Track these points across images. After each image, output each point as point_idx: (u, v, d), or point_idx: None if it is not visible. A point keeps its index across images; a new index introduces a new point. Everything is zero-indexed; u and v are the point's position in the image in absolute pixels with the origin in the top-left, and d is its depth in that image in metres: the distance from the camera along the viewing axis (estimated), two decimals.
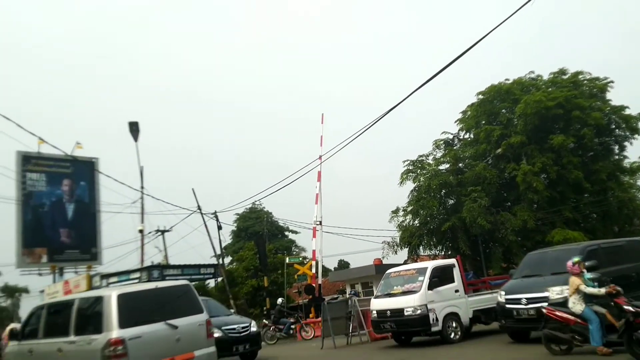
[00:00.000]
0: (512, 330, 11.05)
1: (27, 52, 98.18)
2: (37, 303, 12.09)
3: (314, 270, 24.14)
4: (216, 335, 10.45)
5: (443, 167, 27.18)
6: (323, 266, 27.07)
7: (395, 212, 27.09)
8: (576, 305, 8.75)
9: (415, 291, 12.48)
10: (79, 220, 29.86)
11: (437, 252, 27.06)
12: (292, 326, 20.42)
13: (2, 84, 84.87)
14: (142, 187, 25.69)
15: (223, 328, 11.93)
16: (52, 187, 29.27)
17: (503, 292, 11.03)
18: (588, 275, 9.01)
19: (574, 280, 8.82)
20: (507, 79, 27.84)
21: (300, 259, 31.01)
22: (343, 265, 49.49)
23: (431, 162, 27.51)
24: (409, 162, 27.22)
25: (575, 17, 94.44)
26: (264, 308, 26.16)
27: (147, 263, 26.39)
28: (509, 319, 10.66)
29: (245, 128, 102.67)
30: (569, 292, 8.92)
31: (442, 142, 28.47)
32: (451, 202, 26.71)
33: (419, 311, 12.14)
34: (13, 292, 42.44)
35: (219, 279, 27.65)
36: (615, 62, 69.36)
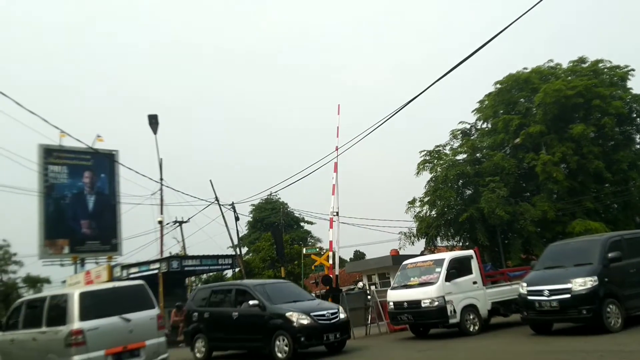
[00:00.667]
0: (534, 322, 10.95)
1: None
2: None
3: (331, 261, 24.21)
4: (305, 322, 10.66)
5: (460, 157, 26.99)
6: (339, 257, 27.14)
7: (412, 202, 26.99)
8: None
9: (432, 282, 12.42)
10: (99, 211, 30.34)
11: (455, 243, 26.91)
12: None
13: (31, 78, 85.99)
14: (161, 179, 25.90)
15: (312, 314, 10.93)
16: (74, 179, 29.74)
17: (525, 284, 10.93)
18: None
19: None
20: (525, 68, 27.52)
21: (317, 249, 31.12)
22: (358, 256, 49.58)
23: (448, 152, 27.32)
24: (425, 152, 27.09)
25: (596, 4, 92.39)
26: None
27: (165, 254, 26.74)
28: (531, 310, 10.59)
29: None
30: None
31: (459, 132, 28.24)
32: (469, 192, 26.51)
33: (436, 303, 12.09)
34: (35, 282, 43.30)
35: (237, 270, 27.90)
36: (636, 50, 67.72)
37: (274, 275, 31.24)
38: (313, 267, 28.56)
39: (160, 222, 26.82)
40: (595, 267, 10.17)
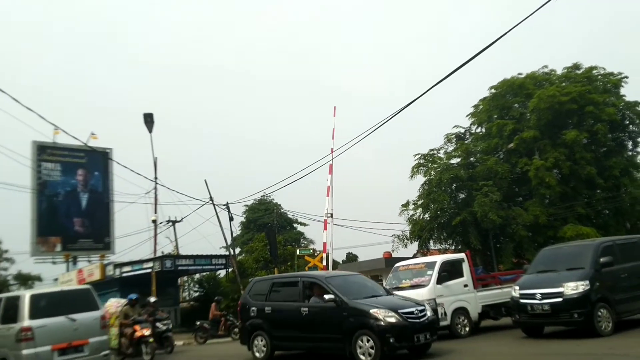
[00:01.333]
0: (526, 325, 11.08)
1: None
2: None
3: (324, 263, 24.26)
4: (393, 320, 9.28)
5: (454, 161, 27.07)
6: (332, 259, 27.17)
7: (406, 205, 27.04)
8: None
9: (423, 285, 12.48)
10: (92, 209, 30.23)
11: (448, 247, 27.02)
12: None
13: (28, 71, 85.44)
14: (155, 178, 25.84)
15: (400, 311, 9.52)
16: (67, 176, 29.63)
17: (517, 287, 11.05)
18: None
19: None
20: (520, 74, 27.66)
21: (311, 251, 31.15)
22: (351, 258, 49.61)
23: (442, 156, 27.42)
24: (419, 155, 27.16)
25: (589, 12, 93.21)
26: None
27: (158, 253, 26.66)
28: (523, 313, 10.71)
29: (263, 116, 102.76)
30: None
31: (453, 135, 28.36)
32: (462, 196, 26.62)
33: None
34: (26, 280, 42.94)
35: (230, 270, 27.86)
36: (629, 57, 68.44)
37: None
38: (307, 269, 28.53)
39: (154, 221, 26.74)
40: (587, 272, 10.30)
